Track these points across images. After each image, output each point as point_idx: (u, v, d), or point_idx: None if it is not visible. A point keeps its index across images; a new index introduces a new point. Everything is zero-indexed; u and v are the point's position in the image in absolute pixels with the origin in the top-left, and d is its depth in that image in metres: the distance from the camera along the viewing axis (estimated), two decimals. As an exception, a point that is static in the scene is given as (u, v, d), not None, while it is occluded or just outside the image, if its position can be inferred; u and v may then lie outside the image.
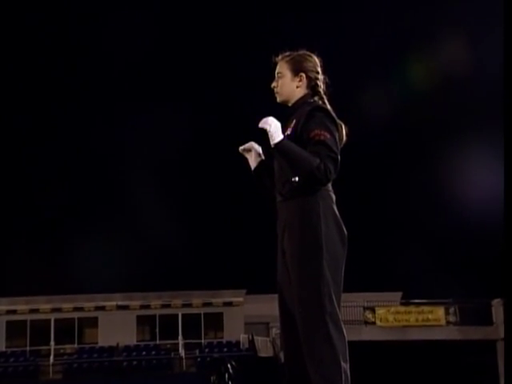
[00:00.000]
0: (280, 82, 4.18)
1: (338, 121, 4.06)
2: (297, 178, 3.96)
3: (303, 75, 4.15)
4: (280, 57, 4.23)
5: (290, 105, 4.20)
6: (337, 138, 3.98)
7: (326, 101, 4.17)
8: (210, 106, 46.12)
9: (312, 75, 4.17)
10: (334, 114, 4.05)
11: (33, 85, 46.01)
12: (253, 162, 4.26)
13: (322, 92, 4.19)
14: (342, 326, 3.92)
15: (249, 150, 4.27)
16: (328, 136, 3.92)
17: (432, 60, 41.28)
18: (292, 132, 4.03)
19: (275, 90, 4.22)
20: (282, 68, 4.18)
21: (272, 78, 4.24)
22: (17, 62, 45.52)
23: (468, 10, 39.00)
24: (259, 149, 4.26)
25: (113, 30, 41.55)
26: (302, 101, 4.15)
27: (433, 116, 43.46)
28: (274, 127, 3.94)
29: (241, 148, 4.29)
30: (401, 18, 43.41)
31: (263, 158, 4.26)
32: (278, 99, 4.22)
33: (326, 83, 4.23)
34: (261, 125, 3.97)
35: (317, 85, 4.18)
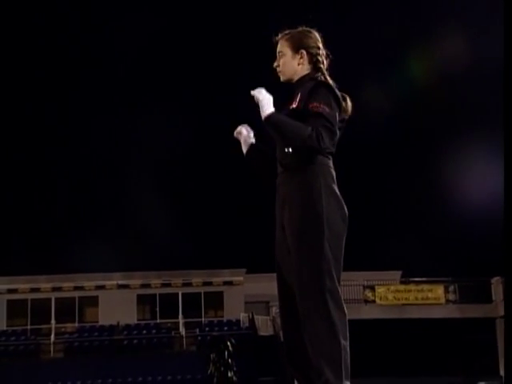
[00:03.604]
0: (281, 60, 4.17)
1: (342, 93, 4.06)
2: (290, 149, 3.97)
3: (304, 52, 4.13)
4: (280, 35, 4.20)
5: (293, 82, 4.18)
6: (336, 113, 3.97)
7: (327, 76, 4.16)
8: (208, 104, 46.12)
9: (313, 51, 4.15)
10: (336, 89, 4.04)
11: (32, 87, 45.93)
12: (244, 146, 4.27)
13: (324, 67, 4.18)
14: (343, 303, 3.91)
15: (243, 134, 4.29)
16: (327, 109, 3.91)
17: (433, 57, 41.11)
18: (296, 107, 4.03)
19: (277, 69, 4.21)
20: (283, 47, 4.16)
21: (273, 59, 4.22)
22: (17, 63, 45.44)
23: (469, 6, 38.81)
24: (251, 132, 4.27)
25: (113, 31, 41.45)
26: (305, 78, 4.13)
27: (434, 111, 43.46)
28: (266, 99, 3.95)
29: (235, 132, 4.31)
30: (400, 15, 43.27)
31: (253, 141, 4.27)
32: (282, 78, 4.21)
33: (327, 57, 4.21)
34: (253, 92, 3.98)
35: (318, 61, 4.16)
